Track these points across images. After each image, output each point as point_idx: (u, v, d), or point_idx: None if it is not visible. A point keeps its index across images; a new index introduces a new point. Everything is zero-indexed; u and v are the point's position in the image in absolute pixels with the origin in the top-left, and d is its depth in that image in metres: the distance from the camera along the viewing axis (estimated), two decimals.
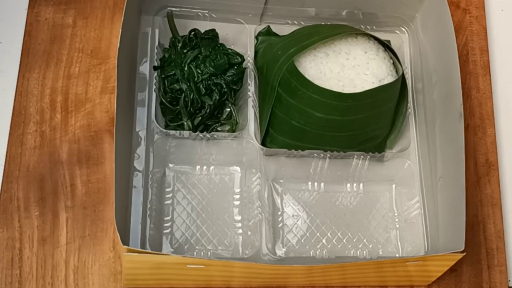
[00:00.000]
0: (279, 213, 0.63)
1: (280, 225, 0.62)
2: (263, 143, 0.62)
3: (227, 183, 0.62)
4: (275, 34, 0.67)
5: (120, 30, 0.54)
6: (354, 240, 0.63)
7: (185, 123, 0.60)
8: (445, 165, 0.60)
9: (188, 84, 0.60)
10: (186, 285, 0.57)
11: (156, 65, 0.62)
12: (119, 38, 0.53)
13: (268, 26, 0.67)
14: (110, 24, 0.65)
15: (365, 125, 0.61)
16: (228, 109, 0.63)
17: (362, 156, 0.62)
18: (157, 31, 0.63)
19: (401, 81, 0.62)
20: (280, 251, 0.61)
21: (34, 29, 0.64)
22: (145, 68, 0.63)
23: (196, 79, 0.60)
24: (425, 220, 0.63)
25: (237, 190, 0.62)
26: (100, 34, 0.65)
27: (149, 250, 0.49)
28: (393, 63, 0.62)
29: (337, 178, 0.64)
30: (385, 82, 0.60)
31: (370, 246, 0.63)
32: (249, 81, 0.62)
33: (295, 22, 0.68)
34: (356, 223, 0.63)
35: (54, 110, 0.62)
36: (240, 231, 0.61)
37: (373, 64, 0.61)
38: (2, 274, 0.56)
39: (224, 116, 0.63)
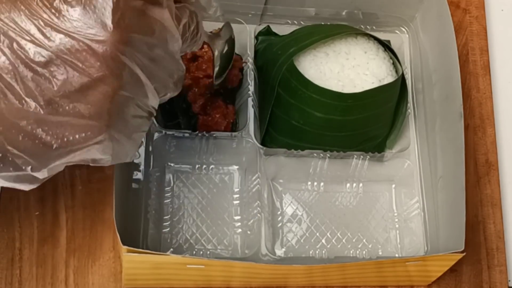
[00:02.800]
0: (279, 213, 0.63)
1: (280, 225, 0.62)
2: (262, 143, 0.62)
3: (226, 182, 0.62)
4: (275, 34, 0.67)
5: None
6: (354, 240, 0.63)
7: (181, 121, 0.60)
8: (445, 165, 0.60)
9: None
10: (186, 285, 0.57)
11: None
12: None
13: (268, 26, 0.67)
14: None
15: (365, 125, 0.61)
16: None
17: (362, 156, 0.62)
18: None
19: (401, 81, 0.62)
20: (280, 251, 0.61)
21: None
22: None
23: None
24: (425, 220, 0.63)
25: (237, 190, 0.62)
26: None
27: (149, 250, 0.49)
28: (393, 63, 0.63)
29: (336, 178, 0.64)
30: (385, 82, 0.60)
31: (370, 246, 0.63)
32: (249, 81, 0.62)
33: (295, 22, 0.68)
34: (355, 223, 0.63)
35: None
36: (240, 230, 0.61)
37: (373, 64, 0.61)
38: (2, 274, 0.56)
39: None
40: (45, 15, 0.34)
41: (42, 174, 0.38)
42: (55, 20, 0.34)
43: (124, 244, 0.48)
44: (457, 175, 0.57)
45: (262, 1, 0.65)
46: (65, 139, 0.36)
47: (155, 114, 0.41)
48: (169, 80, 0.40)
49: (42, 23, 0.34)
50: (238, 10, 0.65)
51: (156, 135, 0.60)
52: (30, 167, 0.37)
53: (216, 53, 0.54)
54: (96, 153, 0.38)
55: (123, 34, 0.35)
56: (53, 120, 0.35)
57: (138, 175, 0.59)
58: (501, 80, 0.72)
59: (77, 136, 0.36)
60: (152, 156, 0.60)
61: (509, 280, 0.65)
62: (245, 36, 0.64)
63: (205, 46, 0.59)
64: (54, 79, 0.34)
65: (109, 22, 0.34)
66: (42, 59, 0.34)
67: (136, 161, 0.59)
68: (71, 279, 0.57)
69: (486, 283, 0.63)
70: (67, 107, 0.35)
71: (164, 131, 0.60)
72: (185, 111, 0.60)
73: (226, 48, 0.54)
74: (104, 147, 0.37)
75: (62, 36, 0.34)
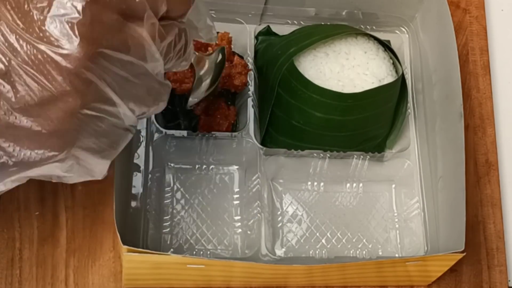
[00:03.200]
0: (279, 213, 0.63)
1: (280, 225, 0.62)
2: (262, 143, 0.62)
3: (226, 182, 0.62)
4: (275, 34, 0.67)
5: None
6: (354, 240, 0.63)
7: (182, 122, 0.60)
8: (445, 165, 0.60)
9: None
10: (186, 285, 0.57)
11: None
12: None
13: (268, 26, 0.67)
14: None
15: (365, 125, 0.61)
16: None
17: (362, 156, 0.62)
18: None
19: (401, 81, 0.62)
20: (280, 251, 0.61)
21: None
22: None
23: None
24: (425, 220, 0.63)
25: (237, 190, 0.62)
26: None
27: (149, 250, 0.49)
28: (393, 63, 0.63)
29: (336, 178, 0.64)
30: (385, 82, 0.60)
31: (370, 246, 0.63)
32: (249, 81, 0.62)
33: (295, 22, 0.68)
34: (355, 223, 0.63)
35: None
36: (240, 230, 0.61)
37: (373, 64, 0.61)
38: (2, 274, 0.56)
39: None
40: (11, 19, 0.32)
41: (0, 187, 0.36)
42: (21, 25, 0.32)
43: (124, 244, 0.48)
44: (457, 175, 0.57)
45: (262, 1, 0.65)
46: (22, 154, 0.34)
47: (134, 132, 0.38)
48: (149, 98, 0.38)
49: (7, 28, 0.32)
50: (238, 10, 0.65)
51: (156, 135, 0.60)
52: None
53: (205, 68, 0.52)
54: (57, 171, 0.36)
55: (90, 49, 0.32)
56: (9, 133, 0.33)
57: (138, 175, 0.59)
58: (501, 80, 0.72)
59: (35, 152, 0.34)
60: (152, 156, 0.60)
61: (509, 280, 0.65)
62: (245, 36, 0.64)
63: (209, 48, 0.59)
64: (14, 90, 0.32)
65: (75, 34, 0.32)
66: (3, 67, 0.32)
67: (136, 161, 0.60)
68: (71, 279, 0.57)
69: (486, 283, 0.63)
70: (25, 121, 0.33)
71: (164, 131, 0.60)
72: (187, 113, 0.60)
73: (220, 57, 0.52)
74: (65, 165, 0.36)
75: (25, 44, 0.32)
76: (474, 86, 0.70)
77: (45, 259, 0.57)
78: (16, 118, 0.33)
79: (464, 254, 0.54)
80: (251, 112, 0.62)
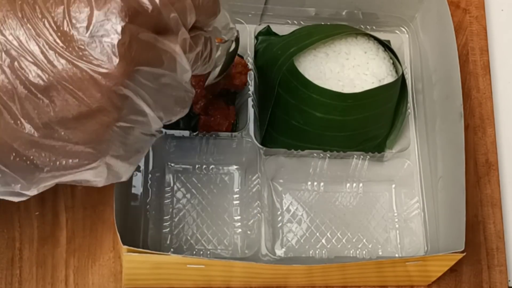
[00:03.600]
0: (279, 213, 0.63)
1: (280, 225, 0.62)
2: (262, 143, 0.62)
3: (226, 182, 0.62)
4: (275, 34, 0.67)
5: None
6: (354, 240, 0.63)
7: (180, 121, 0.60)
8: (445, 165, 0.60)
9: None
10: (186, 285, 0.57)
11: None
12: None
13: (268, 26, 0.67)
14: None
15: (365, 125, 0.61)
16: None
17: (362, 156, 0.62)
18: None
19: (401, 81, 0.62)
20: (280, 251, 0.61)
21: None
22: None
23: None
24: (425, 220, 0.63)
25: (237, 190, 0.62)
26: None
27: (149, 250, 0.49)
28: (393, 63, 0.63)
29: (336, 178, 0.64)
30: (385, 82, 0.60)
31: (370, 246, 0.63)
32: (249, 81, 0.62)
33: (295, 22, 0.68)
34: (355, 223, 0.63)
35: None
36: (240, 230, 0.61)
37: (373, 64, 0.61)
38: (2, 274, 0.56)
39: None
40: (50, 38, 0.33)
41: (31, 192, 0.38)
42: (61, 44, 0.33)
43: (124, 244, 0.48)
44: (457, 175, 0.57)
45: (262, 1, 0.65)
46: (58, 163, 0.35)
47: (158, 136, 0.40)
48: (176, 106, 0.40)
49: (46, 45, 0.33)
50: (238, 10, 0.65)
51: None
52: (19, 185, 0.36)
53: (219, 52, 0.53)
54: (89, 176, 0.38)
55: (128, 67, 0.34)
56: (46, 144, 0.35)
57: (138, 175, 0.59)
58: (501, 80, 0.72)
59: (70, 161, 0.36)
60: (152, 156, 0.60)
61: (509, 280, 0.65)
62: (245, 36, 0.64)
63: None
64: (52, 104, 0.34)
65: (115, 54, 0.33)
66: (42, 83, 0.33)
67: None
68: (71, 279, 0.57)
69: (486, 283, 0.64)
70: (62, 133, 0.34)
71: (164, 131, 0.60)
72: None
73: (233, 47, 0.53)
74: (98, 172, 0.37)
75: (65, 62, 0.33)
76: (474, 86, 0.70)
77: (45, 259, 0.57)
78: (53, 130, 0.34)
79: (464, 254, 0.54)
80: (251, 112, 0.62)
